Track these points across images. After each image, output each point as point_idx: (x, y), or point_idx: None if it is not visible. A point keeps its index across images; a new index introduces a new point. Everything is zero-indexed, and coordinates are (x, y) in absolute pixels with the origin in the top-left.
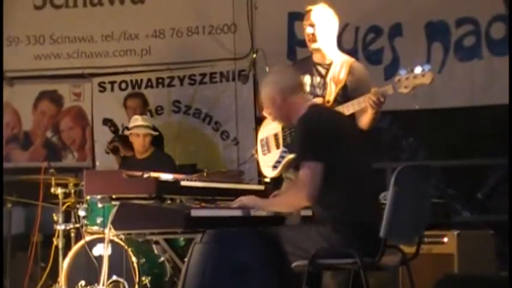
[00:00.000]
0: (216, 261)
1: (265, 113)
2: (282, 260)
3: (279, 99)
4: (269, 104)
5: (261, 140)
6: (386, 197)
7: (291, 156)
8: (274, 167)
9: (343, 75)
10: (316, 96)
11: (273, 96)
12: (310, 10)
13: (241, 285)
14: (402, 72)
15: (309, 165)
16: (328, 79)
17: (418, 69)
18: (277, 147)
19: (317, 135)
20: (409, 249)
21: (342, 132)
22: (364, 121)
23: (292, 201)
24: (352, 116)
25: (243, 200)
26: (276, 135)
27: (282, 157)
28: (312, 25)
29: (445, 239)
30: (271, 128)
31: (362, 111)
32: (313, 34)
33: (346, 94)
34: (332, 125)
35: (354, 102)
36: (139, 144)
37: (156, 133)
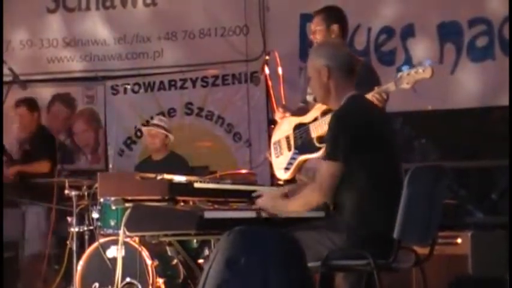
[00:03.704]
0: (239, 255)
1: (276, 113)
2: (302, 261)
3: (324, 76)
4: (314, 74)
5: (274, 143)
6: None
7: (302, 158)
8: (287, 169)
9: None
10: None
11: (321, 69)
12: (317, 13)
13: (263, 280)
14: (404, 69)
15: (331, 164)
16: None
17: (419, 65)
18: (289, 149)
19: (348, 135)
20: (422, 250)
21: (378, 135)
22: None
23: (307, 199)
24: None
25: (261, 202)
26: (287, 138)
27: (293, 159)
28: (315, 31)
29: (459, 240)
30: (283, 130)
31: None
32: (317, 39)
33: None
34: (367, 124)
35: None
36: (150, 142)
37: (169, 134)
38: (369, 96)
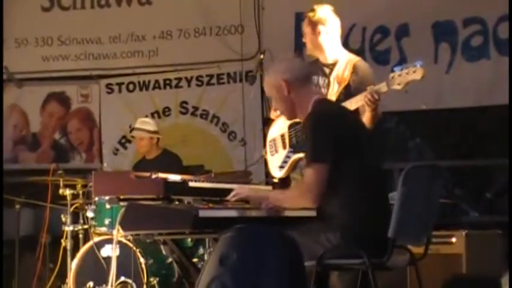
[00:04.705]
0: (231, 251)
1: (272, 112)
2: (298, 262)
3: (285, 89)
4: (274, 92)
5: (270, 142)
6: (394, 198)
7: (296, 156)
8: (281, 167)
9: (346, 74)
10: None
11: (279, 84)
12: (306, 16)
13: (254, 278)
14: (396, 69)
15: (316, 166)
16: (331, 78)
17: (410, 66)
18: (284, 147)
19: (326, 135)
20: (417, 250)
21: (351, 131)
22: (364, 120)
23: (297, 202)
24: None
25: (243, 191)
26: (282, 136)
27: (288, 157)
28: (304, 33)
29: (453, 239)
30: (278, 128)
31: (363, 110)
32: (305, 42)
33: (349, 93)
34: (341, 124)
35: (351, 101)
36: (138, 146)
37: (152, 134)
38: (361, 96)
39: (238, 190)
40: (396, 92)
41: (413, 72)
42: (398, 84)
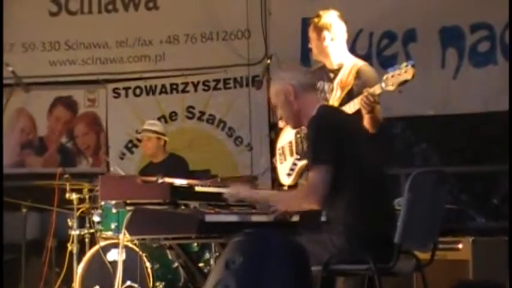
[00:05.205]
0: (237, 256)
1: (281, 121)
2: (305, 266)
3: (291, 96)
4: (281, 98)
5: (279, 149)
6: (401, 203)
7: (303, 162)
8: (289, 174)
9: (350, 79)
10: (327, 101)
11: (286, 89)
12: (312, 20)
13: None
14: (389, 70)
15: (320, 168)
16: (335, 83)
17: (402, 66)
18: (291, 154)
19: (328, 137)
20: (423, 255)
21: (352, 134)
22: (365, 124)
23: (301, 203)
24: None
25: (239, 193)
26: (290, 143)
27: (295, 164)
28: (310, 38)
29: (460, 245)
30: (287, 136)
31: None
32: (310, 47)
33: (351, 98)
34: (343, 127)
35: (350, 104)
36: (145, 148)
37: (161, 136)
38: (359, 99)
39: (233, 191)
40: (406, 95)
41: (405, 73)
42: (392, 85)
